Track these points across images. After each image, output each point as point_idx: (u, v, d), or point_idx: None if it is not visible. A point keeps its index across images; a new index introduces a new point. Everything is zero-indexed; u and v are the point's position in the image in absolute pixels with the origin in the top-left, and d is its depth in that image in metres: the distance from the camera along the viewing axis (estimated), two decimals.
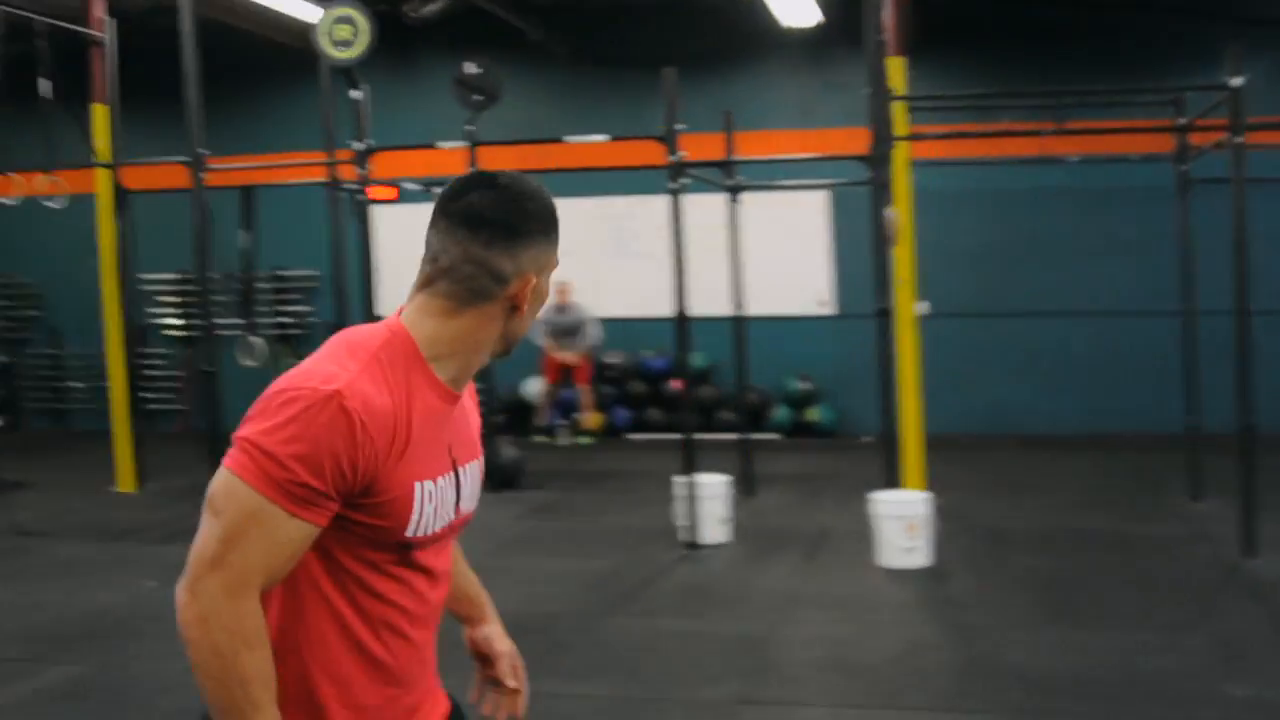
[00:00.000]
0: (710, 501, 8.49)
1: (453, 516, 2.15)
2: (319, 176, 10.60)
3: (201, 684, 1.90)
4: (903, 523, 7.67)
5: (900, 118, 9.30)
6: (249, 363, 12.00)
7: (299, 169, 11.04)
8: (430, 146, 9.54)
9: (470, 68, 10.34)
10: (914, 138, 9.33)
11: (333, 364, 1.96)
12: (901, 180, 9.37)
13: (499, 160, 10.67)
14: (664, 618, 6.91)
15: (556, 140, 9.51)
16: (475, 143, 10.18)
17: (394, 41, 13.54)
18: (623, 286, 13.21)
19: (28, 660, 6.42)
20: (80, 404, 15.34)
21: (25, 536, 9.44)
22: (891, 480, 8.41)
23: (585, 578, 7.80)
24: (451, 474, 2.13)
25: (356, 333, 2.07)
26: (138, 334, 13.79)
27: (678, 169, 8.50)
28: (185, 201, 10.48)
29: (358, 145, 8.98)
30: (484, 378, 10.82)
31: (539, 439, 13.46)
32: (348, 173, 10.19)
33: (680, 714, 5.43)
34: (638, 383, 13.67)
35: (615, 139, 9.23)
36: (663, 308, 11.28)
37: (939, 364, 11.83)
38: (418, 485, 2.03)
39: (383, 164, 11.61)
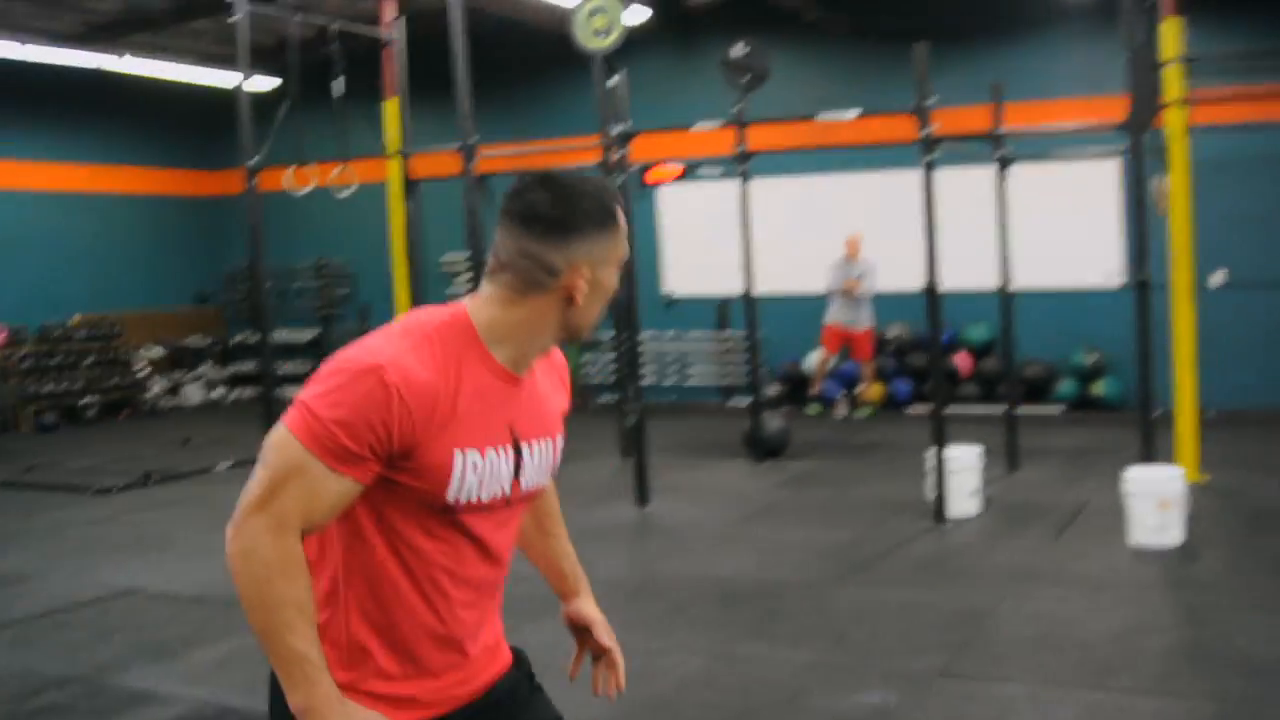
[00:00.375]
0: (960, 474, 8.36)
1: (508, 490, 2.29)
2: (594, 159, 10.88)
3: (246, 612, 2.10)
4: (1154, 500, 7.37)
5: (1174, 82, 8.91)
6: None
7: (572, 153, 11.34)
8: (686, 129, 9.67)
9: (738, 48, 10.42)
10: (1183, 102, 8.91)
11: (383, 340, 2.16)
12: (1178, 147, 8.98)
13: (769, 138, 10.81)
14: (889, 588, 6.87)
15: (809, 117, 9.46)
16: (742, 123, 10.28)
17: (675, 27, 13.82)
18: (907, 259, 13.00)
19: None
20: None
21: None
22: (1148, 455, 8.07)
23: (824, 547, 7.82)
24: (509, 447, 2.27)
25: (419, 314, 2.25)
26: None
27: (930, 143, 8.37)
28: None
29: (615, 129, 9.18)
30: (758, 351, 10.93)
31: (817, 411, 13.46)
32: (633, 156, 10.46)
33: (876, 682, 5.40)
34: (919, 355, 13.50)
35: (865, 114, 9.15)
36: (947, 280, 11.15)
37: (1227, 336, 11.29)
38: (458, 453, 2.17)
39: (673, 145, 11.91)
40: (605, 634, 2.70)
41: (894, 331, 13.56)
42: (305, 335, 17.35)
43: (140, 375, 16.67)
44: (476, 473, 2.20)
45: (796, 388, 14.01)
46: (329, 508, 2.11)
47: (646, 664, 5.77)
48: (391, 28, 11.78)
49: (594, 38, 9.28)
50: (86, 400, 15.74)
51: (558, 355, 2.50)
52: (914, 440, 10.88)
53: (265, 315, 11.09)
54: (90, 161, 16.69)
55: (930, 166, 8.43)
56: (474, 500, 2.22)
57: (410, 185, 11.79)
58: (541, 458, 2.37)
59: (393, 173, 11.92)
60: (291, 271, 17.45)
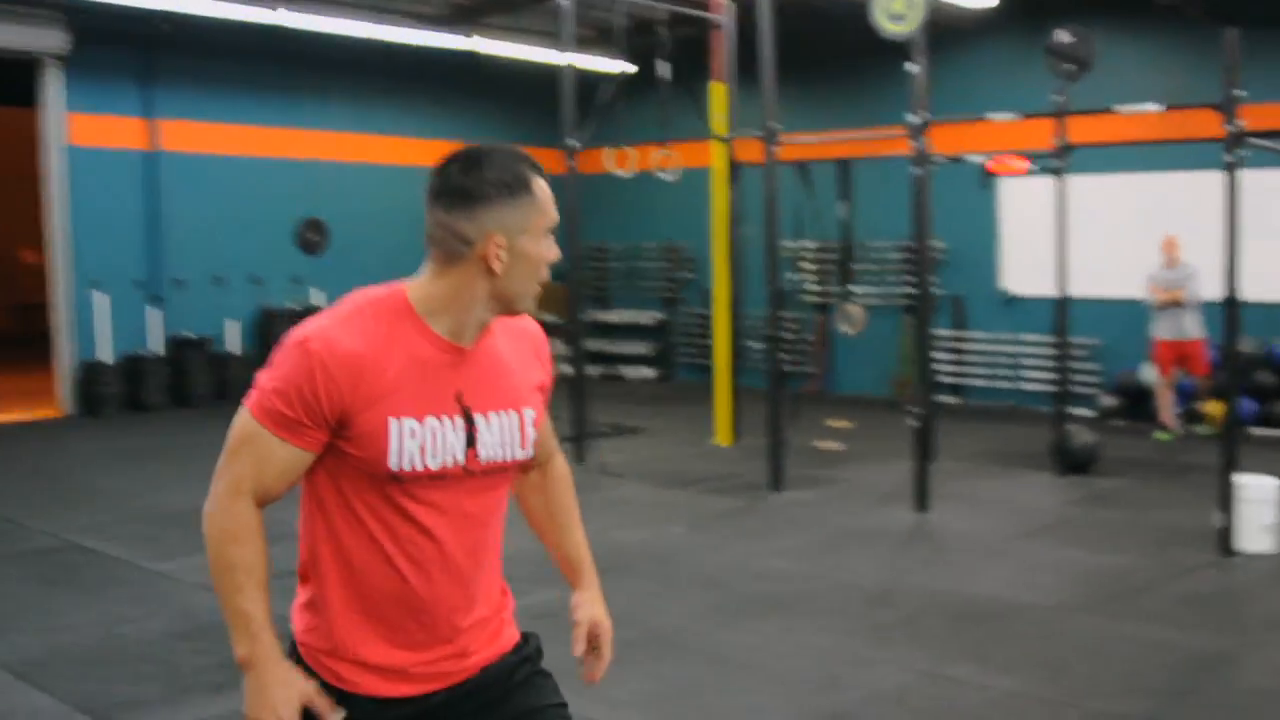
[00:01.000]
0: (1256, 505, 7.72)
1: (461, 459, 2.34)
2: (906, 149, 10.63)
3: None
4: None
5: None
6: (846, 329, 12.29)
7: (883, 142, 11.11)
8: (981, 119, 9.27)
9: (1063, 35, 9.95)
10: None
11: (320, 319, 2.31)
12: None
13: (1091, 129, 10.27)
14: (1136, 621, 6.40)
15: (1107, 110, 8.89)
16: (1063, 113, 9.80)
17: (1025, 10, 13.30)
18: (1255, 268, 12.07)
19: (527, 581, 7.09)
20: None
21: (604, 476, 10.33)
22: None
23: (1090, 571, 7.38)
24: (457, 418, 2.34)
25: (358, 293, 2.36)
26: (778, 298, 14.63)
27: (1235, 139, 7.74)
28: (861, 171, 11.24)
29: (913, 119, 8.88)
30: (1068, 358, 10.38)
31: (1166, 438, 12.51)
32: (957, 145, 10.13)
33: None
34: (1267, 373, 12.47)
35: (1170, 108, 8.56)
36: None
37: None
38: (393, 421, 2.27)
39: (1010, 136, 11.52)
40: (602, 633, 2.73)
41: (1240, 346, 12.56)
42: (648, 317, 17.70)
43: None
44: (415, 439, 2.28)
45: (1133, 400, 13.21)
46: (279, 472, 2.29)
47: (846, 673, 5.65)
48: (722, 11, 11.85)
49: (890, 22, 9.02)
50: None
51: (533, 328, 2.55)
52: (1244, 465, 10.11)
53: (575, 299, 11.41)
54: (452, 138, 17.50)
55: (1234, 166, 7.78)
56: (420, 469, 2.30)
57: (734, 169, 11.86)
58: (504, 429, 2.41)
59: (716, 157, 12.01)
60: (639, 252, 17.87)
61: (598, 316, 18.33)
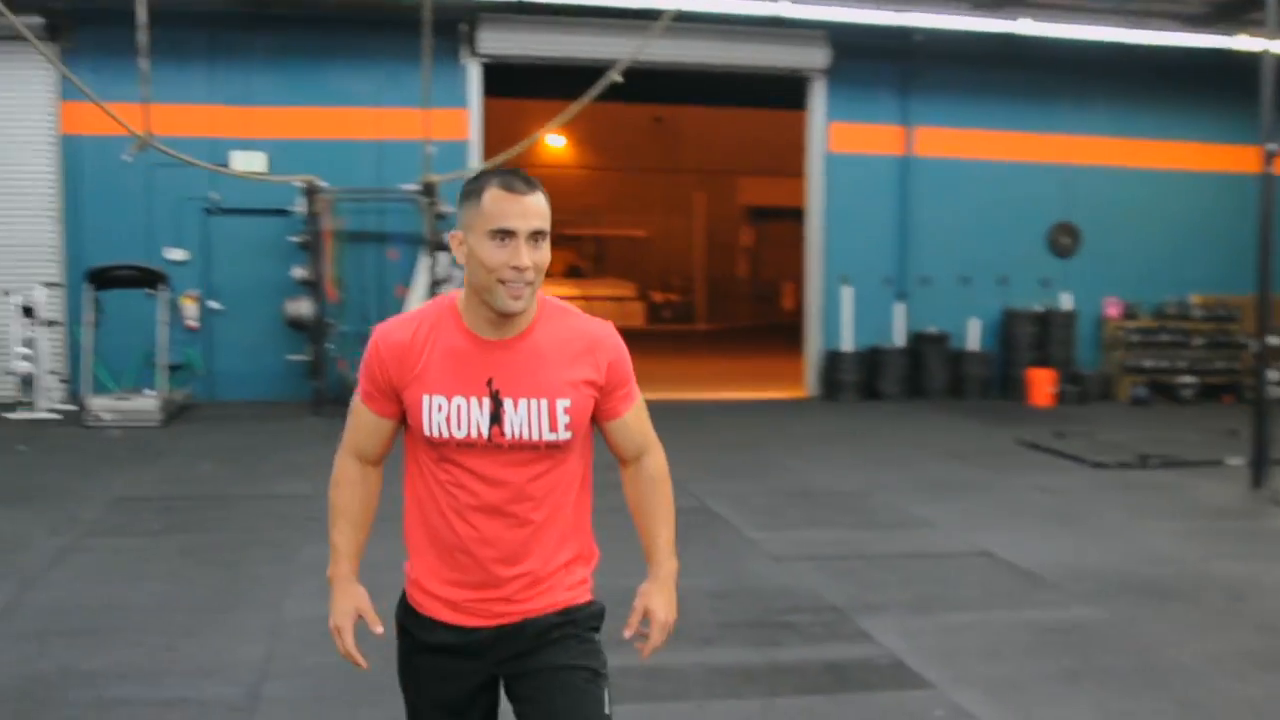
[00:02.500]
0: None
1: (486, 433, 2.82)
2: None
3: None
4: None
5: None
6: None
7: None
8: None
9: None
10: None
11: (393, 317, 2.97)
12: None
13: None
14: None
15: None
16: None
17: None
18: None
19: (1070, 596, 7.03)
20: None
21: (1274, 505, 9.69)
22: None
23: None
24: (485, 399, 2.83)
25: (437, 297, 3.04)
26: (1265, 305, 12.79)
27: None
28: None
29: None
30: None
31: None
32: None
33: None
34: None
35: None
36: None
37: None
38: (425, 397, 2.85)
39: None
40: (653, 621, 3.06)
41: None
42: None
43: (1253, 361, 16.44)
44: (442, 413, 2.83)
45: None
46: (368, 434, 2.99)
47: None
48: None
49: None
50: (1186, 379, 15.96)
51: (594, 330, 2.93)
52: None
53: (1265, 311, 10.67)
54: (1211, 140, 16.62)
55: None
56: (448, 436, 2.83)
57: None
58: (533, 414, 2.83)
59: None
60: None
61: None
